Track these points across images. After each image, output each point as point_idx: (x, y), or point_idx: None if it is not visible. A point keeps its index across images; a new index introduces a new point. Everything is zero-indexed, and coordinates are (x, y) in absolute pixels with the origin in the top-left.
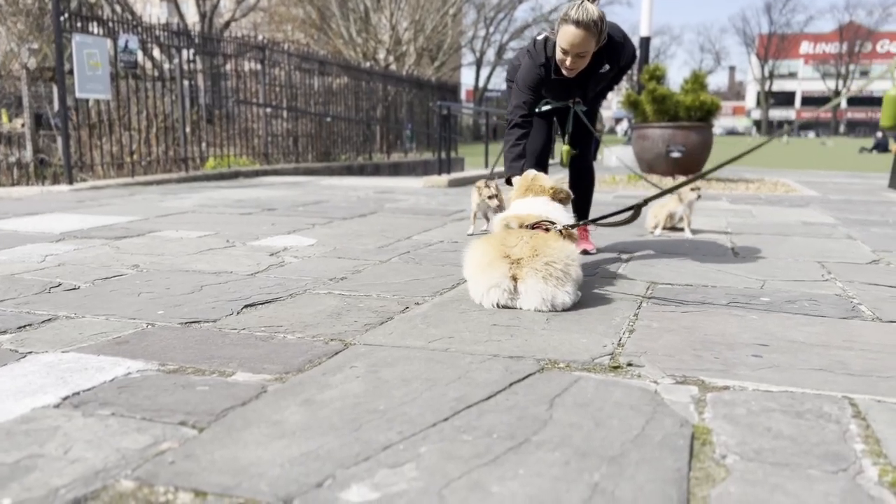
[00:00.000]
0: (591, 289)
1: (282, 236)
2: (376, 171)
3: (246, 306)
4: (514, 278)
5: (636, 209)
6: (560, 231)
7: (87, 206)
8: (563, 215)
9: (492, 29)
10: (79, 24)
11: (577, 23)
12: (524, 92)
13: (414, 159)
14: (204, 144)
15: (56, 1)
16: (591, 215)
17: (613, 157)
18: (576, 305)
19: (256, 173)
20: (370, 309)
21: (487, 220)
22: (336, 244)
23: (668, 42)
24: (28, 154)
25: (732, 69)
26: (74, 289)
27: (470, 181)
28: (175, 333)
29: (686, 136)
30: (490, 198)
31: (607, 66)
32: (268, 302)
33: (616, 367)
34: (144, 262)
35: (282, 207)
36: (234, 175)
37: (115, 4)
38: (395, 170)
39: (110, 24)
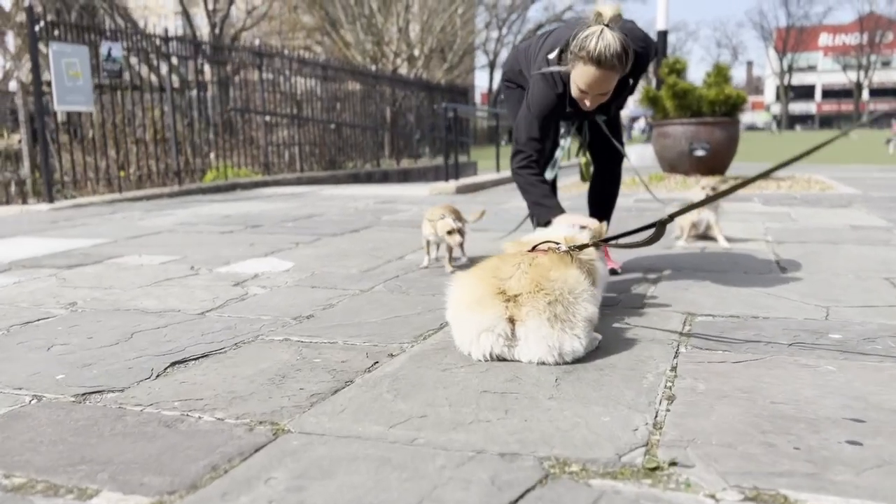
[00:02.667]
0: (613, 323)
1: (256, 259)
2: (385, 178)
3: (173, 364)
4: (512, 320)
5: (659, 227)
6: (567, 252)
7: (59, 227)
8: (582, 237)
9: (504, 30)
10: (56, 33)
11: (599, 62)
12: (539, 120)
13: (424, 165)
14: (205, 156)
15: (30, 8)
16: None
17: (633, 157)
18: (593, 353)
19: (255, 185)
20: (327, 366)
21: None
22: (315, 268)
23: (683, 38)
24: (25, 170)
25: (750, 64)
26: None
27: (481, 187)
28: (58, 415)
29: (710, 132)
30: (450, 233)
31: (631, 82)
32: (203, 356)
33: (654, 470)
34: (85, 299)
35: (268, 224)
36: (232, 187)
37: (116, 15)
38: (405, 176)
39: (92, 33)
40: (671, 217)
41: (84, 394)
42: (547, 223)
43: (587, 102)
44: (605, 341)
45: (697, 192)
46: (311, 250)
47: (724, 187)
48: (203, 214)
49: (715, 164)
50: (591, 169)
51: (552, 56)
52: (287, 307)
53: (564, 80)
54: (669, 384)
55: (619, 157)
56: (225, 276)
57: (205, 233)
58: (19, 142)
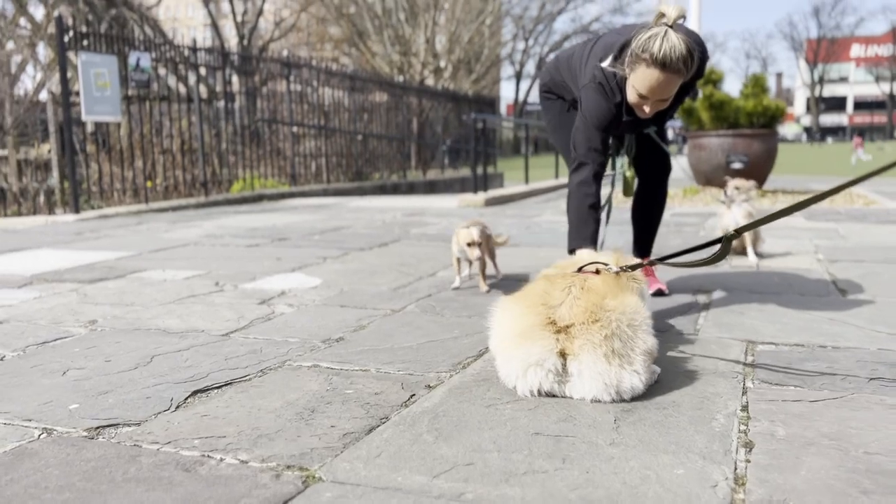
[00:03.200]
0: (668, 352)
1: (283, 275)
2: (411, 189)
3: (194, 393)
4: (563, 354)
5: (725, 244)
6: (618, 273)
7: (84, 239)
8: (628, 258)
9: (531, 41)
10: (85, 43)
11: (665, 65)
12: (598, 130)
13: (451, 176)
14: (232, 166)
15: (59, 18)
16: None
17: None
18: (652, 388)
19: (282, 196)
20: (360, 399)
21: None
22: (344, 285)
23: (711, 49)
24: (54, 180)
25: (780, 75)
26: None
27: (510, 199)
28: (68, 453)
29: (748, 144)
30: (470, 245)
31: (688, 91)
32: (226, 384)
33: None
34: (105, 317)
35: (295, 236)
36: (258, 199)
37: (146, 26)
38: (432, 188)
39: (121, 44)
40: (738, 232)
41: (98, 427)
42: (572, 252)
43: (646, 109)
44: (664, 374)
45: (734, 199)
46: (339, 265)
47: (754, 192)
48: (229, 226)
49: (753, 176)
50: (636, 183)
51: (606, 63)
52: (316, 328)
53: (620, 86)
54: (743, 427)
55: (666, 172)
56: (251, 292)
57: (231, 246)
58: (49, 152)
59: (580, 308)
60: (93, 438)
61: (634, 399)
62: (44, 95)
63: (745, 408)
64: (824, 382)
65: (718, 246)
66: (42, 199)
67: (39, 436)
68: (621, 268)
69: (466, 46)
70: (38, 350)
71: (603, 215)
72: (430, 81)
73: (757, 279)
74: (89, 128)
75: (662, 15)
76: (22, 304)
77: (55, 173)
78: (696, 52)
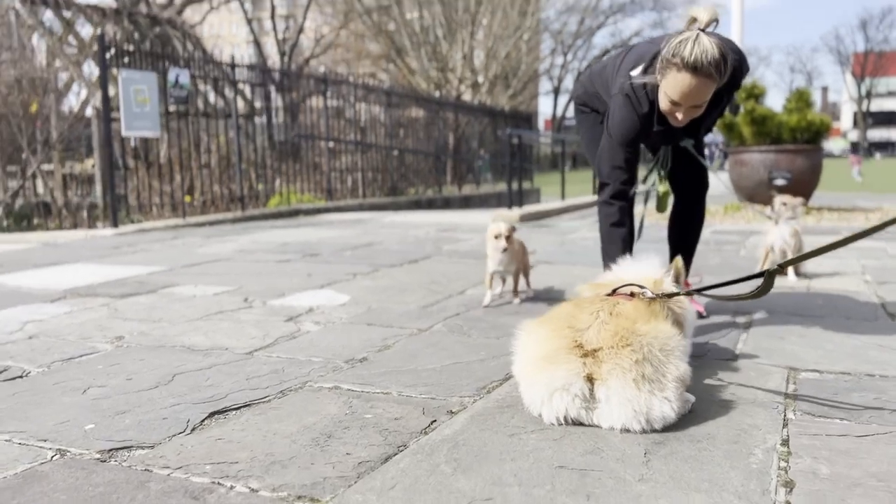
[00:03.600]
0: (704, 378)
1: (312, 291)
2: (446, 204)
3: (211, 414)
4: (591, 378)
5: (768, 279)
6: (654, 298)
7: (120, 253)
8: (669, 280)
9: (570, 56)
10: (126, 60)
11: (696, 69)
12: (623, 147)
13: (487, 191)
14: (269, 181)
15: (101, 36)
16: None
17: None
18: (686, 418)
19: (318, 211)
20: (378, 425)
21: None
22: (372, 303)
23: (755, 63)
24: (98, 194)
25: (825, 89)
26: (17, 378)
27: (546, 215)
28: (77, 477)
29: (791, 160)
30: (497, 237)
31: (725, 100)
32: (245, 406)
33: None
34: (132, 333)
35: (327, 252)
36: (294, 213)
37: (188, 42)
38: (467, 203)
39: (161, 60)
40: (782, 267)
41: (111, 449)
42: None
43: (679, 116)
44: (699, 403)
45: (780, 216)
46: (368, 282)
47: (801, 209)
48: (263, 241)
49: (796, 193)
50: (671, 200)
51: (636, 72)
52: (340, 348)
53: (650, 96)
54: (784, 464)
55: (704, 188)
56: (278, 309)
57: (262, 261)
58: (93, 166)
59: (609, 332)
60: (105, 461)
61: (666, 430)
62: (89, 111)
63: (785, 442)
64: (872, 415)
65: (760, 278)
66: (85, 212)
67: (52, 457)
68: (657, 294)
69: (504, 62)
70: (62, 366)
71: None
72: (467, 96)
73: (800, 301)
74: (133, 143)
75: (694, 20)
76: (53, 318)
77: (98, 188)
78: (731, 57)
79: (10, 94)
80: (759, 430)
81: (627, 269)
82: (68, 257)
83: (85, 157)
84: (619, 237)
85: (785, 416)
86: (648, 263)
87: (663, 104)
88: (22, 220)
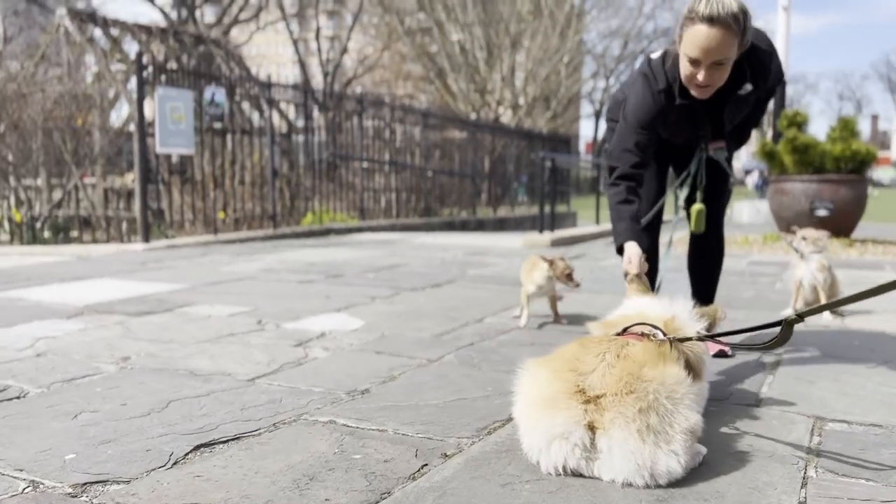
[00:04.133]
0: (720, 427)
1: (327, 315)
2: (480, 226)
3: (196, 448)
4: (592, 427)
5: (786, 329)
6: (667, 341)
7: (146, 269)
8: (686, 319)
9: (612, 80)
10: (163, 77)
11: (711, 19)
12: (635, 131)
13: (522, 214)
14: (304, 200)
15: (139, 55)
16: (717, 299)
17: (745, 213)
18: (694, 472)
19: (349, 230)
20: (366, 468)
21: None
22: (386, 329)
23: (802, 91)
24: (136, 209)
25: (875, 117)
26: (14, 398)
27: (579, 240)
28: None
29: (834, 190)
30: (555, 274)
31: (749, 87)
32: (233, 439)
33: None
34: (139, 354)
35: (350, 273)
36: (325, 232)
37: (230, 61)
38: (501, 225)
39: (199, 79)
40: (801, 317)
41: (85, 483)
42: (620, 249)
43: (700, 77)
44: (712, 454)
45: (801, 248)
46: (385, 307)
47: (825, 242)
48: (289, 261)
49: (840, 224)
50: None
51: (655, 55)
52: (344, 377)
53: (669, 74)
54: None
55: (721, 214)
56: (290, 333)
57: (284, 281)
58: (133, 181)
59: (614, 377)
60: (76, 497)
61: (673, 485)
62: (131, 127)
63: (802, 502)
64: None
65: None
66: (125, 226)
67: (24, 489)
68: (671, 339)
69: (543, 84)
70: (61, 388)
71: (661, 264)
72: (506, 118)
73: (834, 341)
74: (173, 159)
75: None
76: (66, 335)
77: (137, 202)
78: (749, 14)
79: (56, 109)
80: (773, 490)
81: (640, 306)
82: (95, 272)
83: (126, 172)
84: (628, 214)
85: (805, 473)
86: (662, 301)
87: (684, 70)
88: (60, 232)
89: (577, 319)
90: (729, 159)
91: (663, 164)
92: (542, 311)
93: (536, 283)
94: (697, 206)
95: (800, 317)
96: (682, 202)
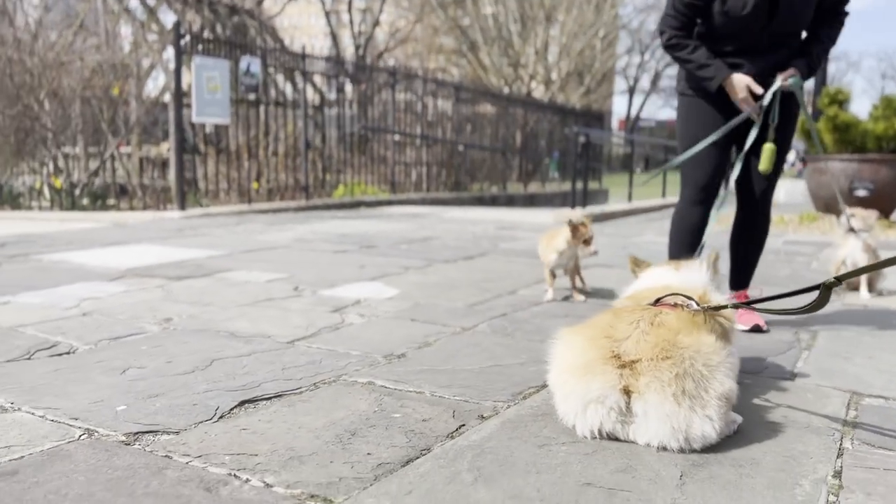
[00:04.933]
0: (754, 398)
1: (362, 284)
2: (510, 202)
3: (241, 403)
4: (627, 391)
5: (824, 293)
6: (701, 311)
7: (183, 236)
8: (713, 289)
9: (647, 56)
10: (200, 47)
11: None
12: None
13: (553, 190)
14: (335, 172)
15: (177, 24)
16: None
17: (781, 193)
18: (729, 440)
19: (380, 203)
20: (405, 425)
21: (575, 279)
22: (420, 298)
23: (844, 69)
24: (172, 177)
25: None
26: (64, 353)
27: (610, 216)
28: (98, 459)
29: (875, 170)
30: (583, 241)
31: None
32: (276, 396)
33: None
34: (181, 316)
35: (383, 245)
36: (356, 205)
37: (263, 32)
38: (531, 201)
39: (235, 49)
40: (839, 280)
41: (137, 433)
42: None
43: None
44: (747, 424)
45: (853, 224)
46: (419, 277)
47: (875, 222)
48: (321, 231)
49: (879, 205)
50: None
51: None
52: (380, 342)
53: None
54: (833, 498)
55: (770, 194)
56: (326, 299)
57: (318, 251)
58: (168, 150)
59: (649, 343)
60: (129, 444)
61: (708, 451)
62: (167, 97)
63: (837, 474)
64: None
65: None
66: (160, 195)
67: (80, 436)
68: (705, 308)
69: (577, 58)
70: (108, 345)
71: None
72: (538, 93)
73: (871, 320)
74: (207, 129)
75: None
76: (109, 297)
77: (172, 171)
78: None
79: (93, 78)
80: (809, 459)
81: (671, 277)
82: (134, 238)
83: (161, 141)
84: (704, 56)
85: (841, 444)
86: (696, 270)
87: None
88: (98, 199)
89: (610, 295)
90: (788, 144)
91: (725, 143)
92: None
93: (558, 249)
94: (769, 145)
95: (838, 280)
96: (748, 145)
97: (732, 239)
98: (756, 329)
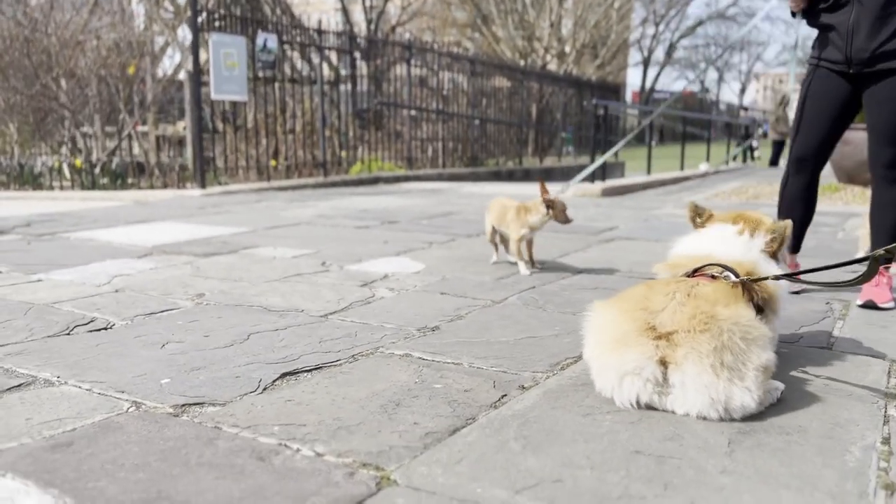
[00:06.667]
0: (793, 369)
1: (388, 259)
2: (526, 176)
3: (282, 375)
4: (664, 362)
5: (872, 265)
6: (741, 284)
7: (205, 213)
8: (761, 262)
9: (661, 27)
10: (217, 24)
11: None
12: None
13: (568, 164)
14: (351, 148)
15: (194, 0)
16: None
17: None
18: (774, 408)
19: (397, 179)
20: (448, 395)
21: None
22: (447, 272)
23: None
24: (188, 156)
25: None
26: (102, 329)
27: (629, 190)
28: (150, 430)
29: None
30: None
31: None
32: (316, 369)
33: None
34: (212, 291)
35: (405, 220)
36: (374, 181)
37: (277, 8)
38: (548, 175)
39: (251, 25)
40: (889, 252)
41: (184, 405)
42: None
43: None
44: (788, 393)
45: None
46: (444, 251)
47: None
48: (342, 207)
49: None
50: None
51: None
52: (413, 315)
53: None
54: (884, 464)
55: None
56: (354, 274)
57: (341, 227)
58: (184, 129)
59: (685, 314)
60: (177, 416)
61: (752, 419)
62: (182, 75)
63: (886, 440)
64: None
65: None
66: (176, 173)
67: (128, 409)
68: (745, 280)
69: (592, 30)
70: (144, 320)
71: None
72: (552, 66)
73: None
74: (222, 106)
75: None
76: (139, 273)
77: (189, 149)
78: None
79: (109, 57)
80: (856, 426)
81: (709, 245)
82: (157, 216)
83: (177, 120)
84: None
85: (886, 412)
86: (734, 239)
87: None
88: (117, 178)
89: (639, 266)
90: None
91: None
92: (608, 257)
93: (531, 224)
94: None
95: (888, 252)
96: None
97: (871, 215)
98: (796, 292)
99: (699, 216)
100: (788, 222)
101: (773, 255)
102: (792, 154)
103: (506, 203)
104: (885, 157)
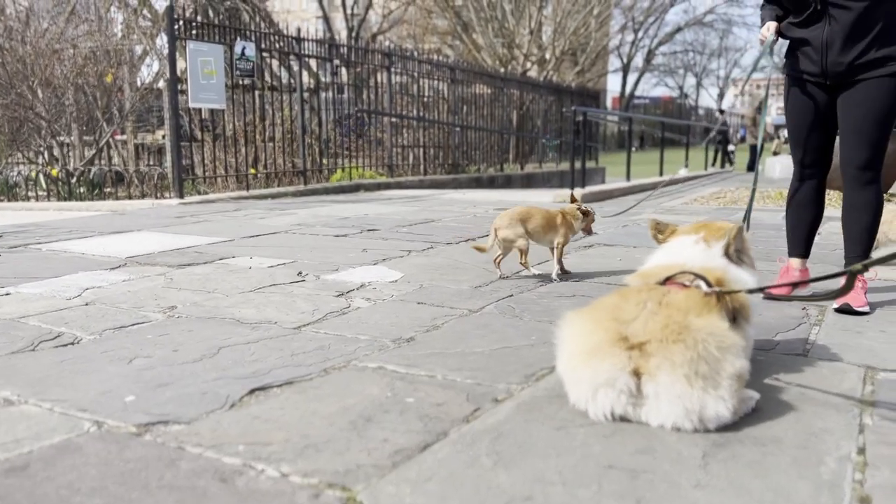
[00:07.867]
0: (767, 377)
1: (365, 268)
2: (507, 182)
3: (251, 391)
4: (637, 373)
5: (850, 280)
6: (713, 293)
7: (183, 223)
8: (730, 269)
9: (640, 34)
10: (194, 32)
11: None
12: None
13: (549, 170)
14: (332, 156)
15: (170, 8)
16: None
17: (777, 169)
18: (749, 418)
19: (378, 186)
20: (420, 410)
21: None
22: (425, 280)
23: None
24: (168, 165)
25: None
26: (69, 344)
27: (609, 195)
28: (110, 451)
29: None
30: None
31: None
32: (287, 383)
33: None
34: (185, 303)
35: (384, 228)
36: (355, 188)
37: (256, 16)
38: (528, 181)
39: (228, 33)
40: (866, 266)
41: (147, 423)
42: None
43: None
44: (764, 403)
45: None
46: (422, 259)
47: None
48: (322, 215)
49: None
50: None
51: None
52: (388, 326)
53: None
54: (859, 476)
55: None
56: (331, 284)
57: (320, 235)
58: (163, 137)
59: (657, 324)
60: (140, 436)
61: (727, 429)
62: (161, 84)
63: (861, 451)
64: None
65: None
66: (155, 182)
67: (89, 429)
68: (717, 291)
69: (572, 37)
70: (113, 335)
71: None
72: (533, 73)
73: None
74: (204, 115)
75: None
76: (111, 286)
77: (168, 158)
78: None
79: (87, 66)
80: (831, 436)
81: (679, 255)
82: (133, 226)
83: (156, 129)
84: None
85: (861, 420)
86: (705, 248)
87: None
88: (95, 188)
89: (616, 274)
90: None
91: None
92: (588, 263)
93: (575, 230)
94: None
95: (865, 266)
96: None
97: (843, 218)
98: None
99: (660, 232)
100: (737, 224)
101: (732, 257)
102: (795, 163)
103: (540, 210)
104: (858, 160)
